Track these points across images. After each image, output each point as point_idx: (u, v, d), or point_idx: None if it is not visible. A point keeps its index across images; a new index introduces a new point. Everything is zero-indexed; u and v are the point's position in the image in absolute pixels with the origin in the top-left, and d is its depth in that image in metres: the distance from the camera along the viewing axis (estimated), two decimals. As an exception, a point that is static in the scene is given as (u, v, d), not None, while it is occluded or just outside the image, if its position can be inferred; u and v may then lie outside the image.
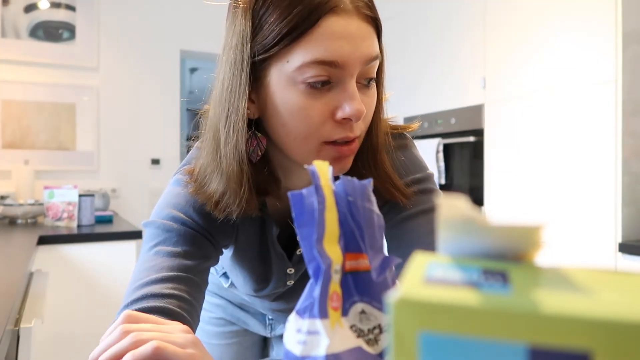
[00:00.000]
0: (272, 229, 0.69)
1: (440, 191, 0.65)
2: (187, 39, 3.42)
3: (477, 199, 2.47)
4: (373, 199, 0.32)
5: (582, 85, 1.96)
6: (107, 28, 3.26)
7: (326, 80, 0.53)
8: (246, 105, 0.55)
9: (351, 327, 0.29)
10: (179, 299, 0.56)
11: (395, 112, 0.72)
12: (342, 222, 0.31)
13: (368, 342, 0.29)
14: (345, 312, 0.29)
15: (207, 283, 0.64)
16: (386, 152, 0.65)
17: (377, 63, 0.56)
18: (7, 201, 2.58)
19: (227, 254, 0.75)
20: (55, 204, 2.32)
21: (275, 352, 1.01)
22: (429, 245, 0.58)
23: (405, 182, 0.63)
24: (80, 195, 2.34)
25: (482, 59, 2.44)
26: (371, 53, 0.54)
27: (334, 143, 0.56)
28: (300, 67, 0.52)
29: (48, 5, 3.11)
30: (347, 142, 0.56)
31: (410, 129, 0.70)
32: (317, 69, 0.52)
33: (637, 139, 1.87)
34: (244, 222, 0.68)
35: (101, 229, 2.22)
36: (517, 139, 2.24)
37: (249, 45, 0.54)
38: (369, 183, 0.32)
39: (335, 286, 0.29)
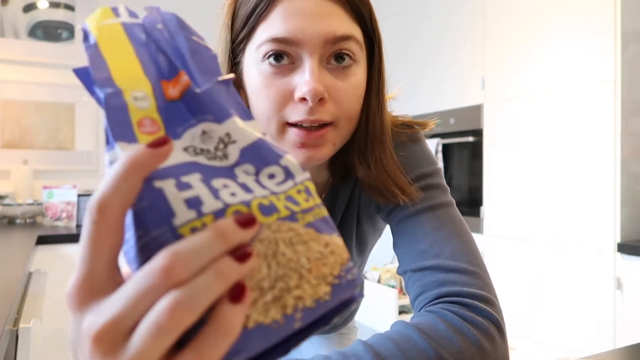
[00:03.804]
0: None
1: (447, 187, 0.64)
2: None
3: (476, 199, 2.47)
4: (192, 28, 0.33)
5: (581, 85, 1.96)
6: (106, 28, 3.25)
7: (279, 53, 0.53)
8: None
9: (185, 148, 0.29)
10: None
11: (395, 111, 0.71)
12: (151, 53, 0.31)
13: (214, 157, 0.29)
14: (175, 136, 0.29)
15: None
16: (395, 147, 0.63)
17: (350, 44, 0.54)
18: (6, 201, 2.58)
19: None
20: (54, 203, 2.32)
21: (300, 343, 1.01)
22: (436, 240, 0.57)
23: (413, 176, 0.62)
24: (79, 195, 2.34)
25: (481, 59, 2.44)
26: (333, 31, 0.53)
27: (300, 127, 0.54)
28: (259, 45, 0.54)
29: (47, 5, 3.11)
30: (313, 128, 0.54)
31: (426, 127, 0.67)
32: (272, 45, 0.53)
33: (636, 139, 1.87)
34: None
35: (100, 228, 2.21)
36: (516, 139, 2.24)
37: (229, 34, 0.58)
38: (175, 15, 0.33)
39: (144, 112, 0.28)
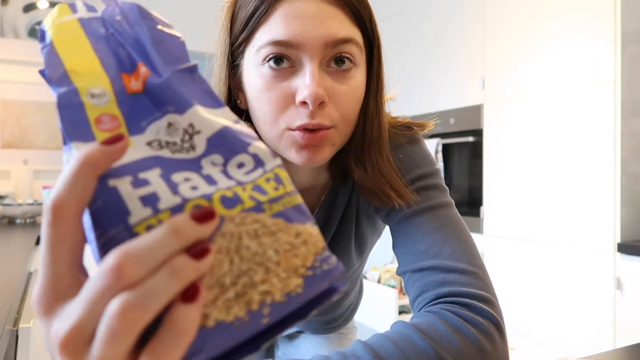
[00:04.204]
0: None
1: (447, 187, 0.64)
2: (185, 38, 3.41)
3: (476, 199, 2.47)
4: (155, 16, 0.32)
5: (581, 85, 1.96)
6: (106, 28, 3.25)
7: (279, 56, 0.53)
8: (226, 92, 0.59)
9: (149, 142, 0.28)
10: None
11: (394, 111, 0.71)
12: (110, 46, 0.30)
13: (180, 150, 0.28)
14: (138, 131, 0.28)
15: None
16: (393, 148, 0.63)
17: (350, 47, 0.54)
18: (6, 201, 2.58)
19: None
20: (54, 203, 2.32)
21: (281, 352, 1.01)
22: (435, 241, 0.57)
23: (411, 177, 0.62)
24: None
25: (481, 59, 2.44)
26: (334, 35, 0.52)
27: (302, 129, 0.53)
28: (259, 48, 0.54)
29: (47, 5, 3.11)
30: (314, 130, 0.53)
31: (425, 128, 0.67)
32: (272, 48, 0.53)
33: (636, 139, 1.87)
34: None
35: (100, 228, 2.21)
36: (516, 139, 2.24)
37: (229, 37, 0.58)
38: (136, 4, 0.32)
39: (103, 109, 0.27)
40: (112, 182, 0.25)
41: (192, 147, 0.28)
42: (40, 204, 2.44)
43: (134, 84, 0.29)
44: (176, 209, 0.25)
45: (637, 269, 1.74)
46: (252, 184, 0.28)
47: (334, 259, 0.28)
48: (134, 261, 0.23)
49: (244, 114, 0.60)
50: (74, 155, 0.26)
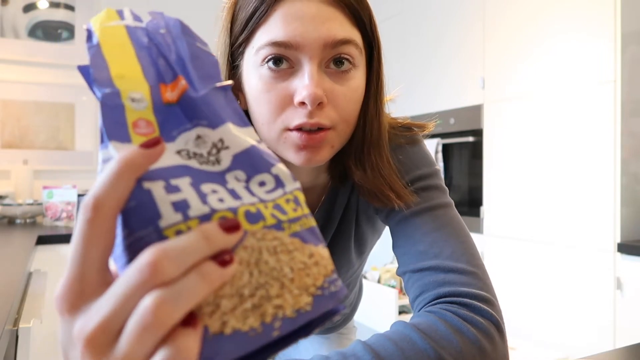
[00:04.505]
0: None
1: (446, 188, 0.64)
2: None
3: (476, 199, 2.47)
4: (195, 33, 0.34)
5: (581, 85, 1.96)
6: (106, 28, 3.25)
7: (278, 57, 0.53)
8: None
9: (178, 151, 0.29)
10: None
11: (394, 112, 0.71)
12: (152, 56, 0.31)
13: (206, 162, 0.29)
14: (169, 138, 0.29)
15: None
16: (393, 149, 0.63)
17: (349, 48, 0.54)
18: (6, 201, 2.58)
19: None
20: (54, 203, 2.32)
21: (280, 352, 1.01)
22: (435, 241, 0.57)
23: (411, 178, 0.62)
24: (79, 195, 2.34)
25: (481, 59, 2.44)
26: (333, 36, 0.53)
27: (300, 130, 0.54)
28: (259, 49, 0.54)
29: (47, 5, 3.11)
30: (312, 130, 0.54)
31: (425, 129, 0.67)
32: (271, 49, 0.53)
33: (636, 139, 1.87)
34: None
35: (100, 228, 2.21)
36: (516, 139, 2.24)
37: (229, 37, 0.58)
38: (179, 21, 0.34)
39: (140, 114, 0.29)
40: (146, 185, 0.26)
41: (218, 161, 0.30)
42: (40, 204, 2.44)
43: (170, 95, 0.30)
44: (204, 218, 0.27)
45: (637, 269, 1.74)
46: (273, 202, 0.30)
47: (340, 282, 0.30)
48: (169, 260, 0.24)
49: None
50: (112, 156, 0.27)
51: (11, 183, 2.94)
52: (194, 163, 0.29)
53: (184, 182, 0.27)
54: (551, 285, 2.03)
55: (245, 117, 0.33)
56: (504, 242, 2.28)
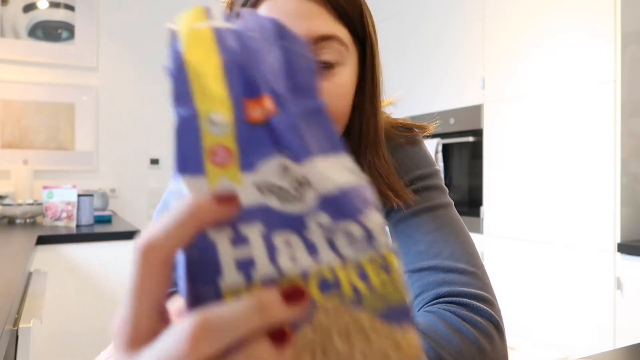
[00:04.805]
0: None
1: (446, 188, 0.64)
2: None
3: (476, 199, 2.47)
4: (293, 35, 0.28)
5: (581, 85, 1.96)
6: (107, 28, 3.25)
7: None
8: None
9: (258, 185, 0.25)
10: None
11: (394, 112, 0.71)
12: (239, 65, 0.27)
13: (288, 199, 0.25)
14: (249, 167, 0.25)
15: None
16: (393, 149, 0.63)
17: (331, 44, 0.54)
18: (6, 201, 2.58)
19: None
20: (54, 203, 2.32)
21: None
22: (435, 241, 0.57)
23: (411, 178, 0.62)
24: (79, 195, 2.34)
25: (481, 59, 2.44)
26: (312, 32, 0.52)
27: None
28: None
29: (47, 5, 3.11)
30: None
31: (425, 130, 0.67)
32: None
33: (636, 139, 1.87)
34: None
35: (100, 228, 2.22)
36: (516, 139, 2.24)
37: None
38: (275, 21, 0.29)
39: (219, 139, 0.25)
40: (212, 235, 0.23)
41: (301, 199, 0.25)
42: (40, 204, 2.44)
43: (256, 112, 0.26)
44: (269, 282, 0.23)
45: (637, 269, 1.74)
46: (356, 264, 0.25)
47: None
48: (211, 333, 0.22)
49: None
50: (182, 192, 0.24)
51: (11, 183, 2.95)
52: (273, 201, 0.25)
53: (254, 232, 0.24)
54: (551, 285, 2.03)
55: (339, 141, 0.28)
56: (503, 242, 2.28)
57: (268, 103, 0.26)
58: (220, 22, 0.28)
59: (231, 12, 0.29)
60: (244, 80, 0.26)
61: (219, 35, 0.27)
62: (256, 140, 0.26)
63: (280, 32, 0.28)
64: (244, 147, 0.25)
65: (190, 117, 0.25)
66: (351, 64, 0.57)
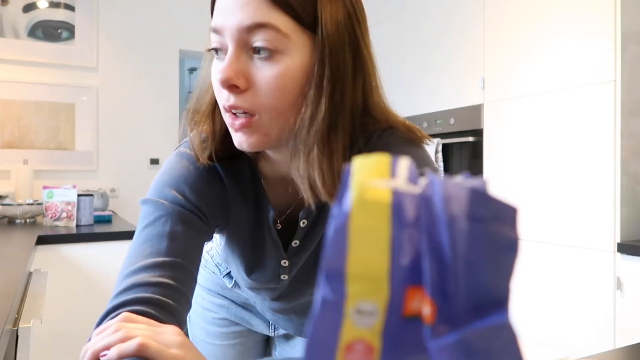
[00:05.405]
0: (268, 211, 0.68)
1: None
2: (186, 39, 3.42)
3: (476, 199, 2.47)
4: (496, 207, 0.22)
5: (581, 85, 1.96)
6: (107, 28, 3.25)
7: (217, 45, 0.56)
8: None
9: None
10: (167, 287, 0.56)
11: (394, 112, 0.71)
12: (412, 244, 0.21)
13: None
14: None
15: (198, 263, 0.63)
16: (396, 149, 0.62)
17: (266, 33, 0.52)
18: (6, 201, 2.58)
19: (222, 242, 0.75)
20: (54, 203, 2.32)
21: (277, 352, 1.01)
22: None
23: None
24: (79, 195, 2.34)
25: (481, 59, 2.44)
26: (243, 21, 0.52)
27: (229, 112, 0.57)
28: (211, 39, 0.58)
29: (47, 5, 3.11)
30: (241, 114, 0.56)
31: (425, 139, 0.67)
32: (212, 36, 0.57)
33: (636, 139, 1.87)
34: (236, 201, 0.68)
35: (100, 228, 2.22)
36: (516, 139, 2.24)
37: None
38: (483, 186, 0.21)
39: (362, 333, 0.21)
40: None
41: None
42: (40, 204, 2.44)
43: (415, 304, 0.21)
44: None
45: (637, 269, 1.74)
46: None
47: None
48: None
49: None
50: None
51: (11, 183, 2.95)
52: None
53: None
54: (551, 285, 2.03)
55: None
56: (504, 242, 2.28)
57: (426, 308, 0.21)
58: (402, 183, 0.22)
59: (417, 170, 0.24)
60: (412, 264, 0.21)
61: (397, 203, 0.21)
62: (406, 339, 0.21)
63: (481, 201, 0.21)
64: (389, 347, 0.21)
65: (337, 300, 0.20)
66: (297, 54, 0.54)
